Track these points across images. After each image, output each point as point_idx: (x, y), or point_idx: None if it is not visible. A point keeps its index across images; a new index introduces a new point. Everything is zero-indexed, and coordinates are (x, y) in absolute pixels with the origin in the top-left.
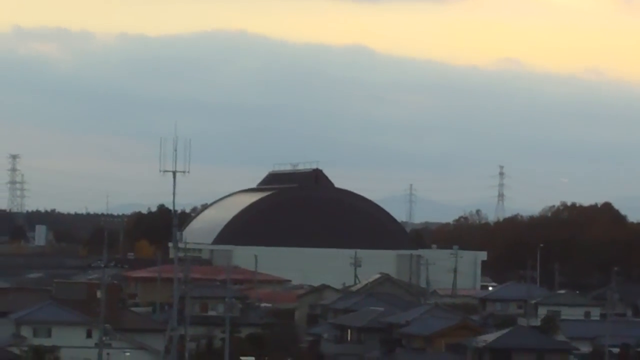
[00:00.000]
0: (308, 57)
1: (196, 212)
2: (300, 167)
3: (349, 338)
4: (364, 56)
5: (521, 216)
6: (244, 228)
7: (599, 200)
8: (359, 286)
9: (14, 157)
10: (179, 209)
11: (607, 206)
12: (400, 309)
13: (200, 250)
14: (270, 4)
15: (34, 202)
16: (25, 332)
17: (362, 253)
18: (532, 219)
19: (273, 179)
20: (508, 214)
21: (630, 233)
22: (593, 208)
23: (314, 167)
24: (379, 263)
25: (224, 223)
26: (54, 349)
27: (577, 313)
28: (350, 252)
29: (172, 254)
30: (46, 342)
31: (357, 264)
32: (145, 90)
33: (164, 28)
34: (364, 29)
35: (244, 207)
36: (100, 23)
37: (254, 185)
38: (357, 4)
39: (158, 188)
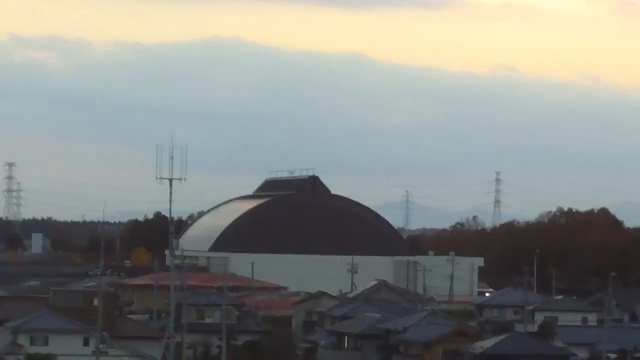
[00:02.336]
0: (304, 64)
1: (192, 219)
2: (297, 174)
3: (345, 345)
4: (360, 63)
5: (518, 222)
6: (241, 235)
7: (596, 206)
8: (355, 293)
9: (10, 165)
10: (175, 216)
11: (604, 212)
12: (397, 316)
13: (196, 257)
14: (265, 11)
15: (31, 210)
16: (22, 340)
17: (358, 259)
18: (528, 224)
19: (269, 186)
20: (505, 220)
21: (627, 239)
22: (590, 214)
23: (311, 173)
24: (375, 269)
25: (221, 230)
26: (51, 357)
27: (574, 319)
28: (347, 258)
29: (168, 262)
30: (43, 350)
31: (353, 270)
32: (141, 97)
33: (160, 36)
34: (360, 36)
35: (240, 214)
36: (96, 31)
37: (250, 192)
38: (352, 11)
39: (154, 195)
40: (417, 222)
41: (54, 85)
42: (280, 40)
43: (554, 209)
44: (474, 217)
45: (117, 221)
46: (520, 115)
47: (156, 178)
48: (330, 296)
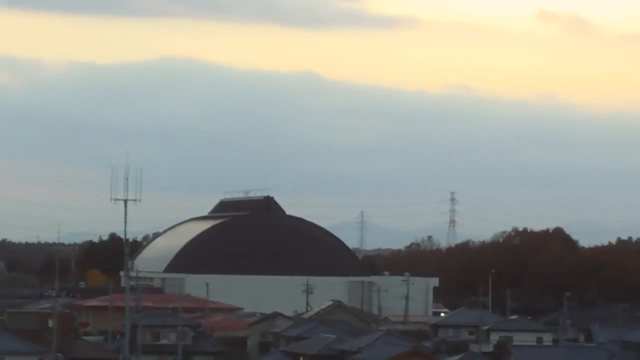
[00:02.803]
0: (257, 83)
1: (148, 240)
2: (252, 195)
3: None
4: (313, 82)
5: (473, 242)
6: (196, 256)
7: (551, 225)
8: (311, 313)
9: None
10: (130, 237)
11: (559, 231)
12: (352, 336)
13: (152, 278)
14: (218, 31)
15: None
16: None
17: (314, 280)
18: (483, 244)
19: (224, 207)
20: (460, 240)
21: (581, 258)
22: (544, 233)
23: (266, 194)
24: (331, 290)
25: (176, 251)
26: None
27: (529, 338)
28: (302, 279)
29: (123, 283)
30: None
31: (309, 291)
32: (96, 117)
33: (114, 56)
34: (313, 55)
35: (195, 235)
36: (50, 51)
37: (205, 213)
38: (305, 29)
39: (109, 216)
40: (372, 242)
41: (7, 105)
42: (233, 59)
43: (508, 229)
44: (429, 237)
45: (71, 242)
46: (475, 134)
47: (111, 199)
48: (286, 317)
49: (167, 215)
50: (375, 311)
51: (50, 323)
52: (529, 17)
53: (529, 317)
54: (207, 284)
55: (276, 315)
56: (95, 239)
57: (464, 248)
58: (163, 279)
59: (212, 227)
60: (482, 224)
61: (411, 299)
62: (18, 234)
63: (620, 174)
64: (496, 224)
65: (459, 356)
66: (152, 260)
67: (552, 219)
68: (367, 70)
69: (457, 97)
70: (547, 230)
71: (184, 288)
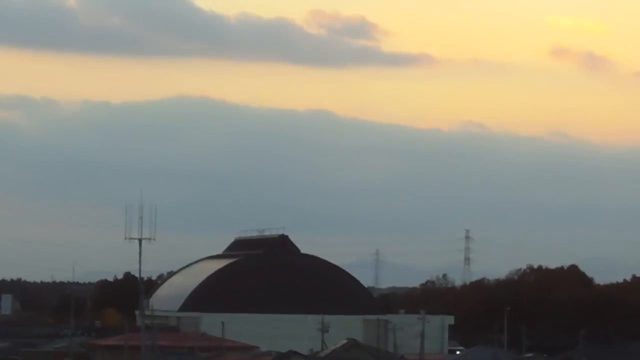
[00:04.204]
0: (272, 122)
1: (162, 279)
2: (267, 233)
3: None
4: (327, 121)
5: (488, 280)
6: (211, 295)
7: (565, 262)
8: (326, 352)
9: None
10: (145, 276)
11: (574, 268)
12: None
13: (167, 317)
14: (233, 70)
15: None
16: None
17: (329, 318)
18: (498, 282)
19: (239, 245)
20: (475, 278)
21: (596, 295)
22: (559, 270)
23: (280, 232)
24: (346, 328)
25: (191, 290)
26: None
27: None
28: (317, 317)
29: (139, 322)
30: None
31: (324, 329)
32: (110, 157)
33: (128, 95)
34: (327, 94)
35: (210, 274)
36: (64, 90)
37: (220, 251)
38: (319, 69)
39: (124, 255)
40: (388, 280)
41: (21, 144)
42: (248, 98)
43: (523, 266)
44: (444, 275)
45: (86, 281)
46: (490, 171)
47: (125, 238)
48: (301, 355)
49: (182, 254)
50: (391, 349)
51: None
52: (543, 54)
53: (545, 355)
54: (223, 323)
55: (292, 354)
56: (110, 278)
57: (479, 286)
58: (178, 318)
59: (227, 266)
60: (497, 262)
61: (427, 337)
62: (33, 273)
63: (636, 211)
64: (511, 261)
65: None
66: (167, 299)
67: (567, 256)
68: (380, 108)
69: (471, 134)
70: (562, 267)
71: (199, 327)
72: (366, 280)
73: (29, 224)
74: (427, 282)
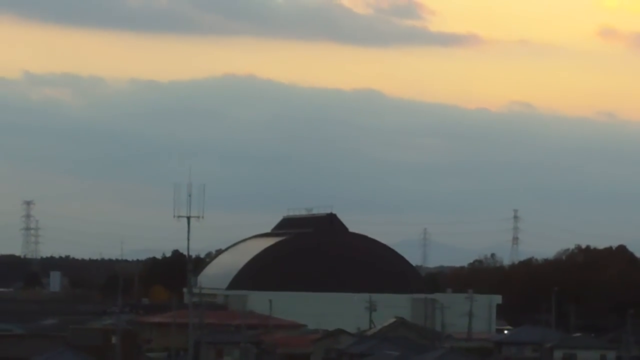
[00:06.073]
0: (319, 101)
1: (210, 257)
2: (315, 212)
3: None
4: (374, 100)
5: (536, 259)
6: (259, 273)
7: (614, 243)
8: (374, 330)
9: (28, 203)
10: (193, 254)
11: (622, 248)
12: (415, 353)
13: (214, 295)
14: (280, 49)
15: (49, 248)
16: None
17: (376, 297)
18: (546, 262)
19: (287, 224)
20: (522, 257)
21: None
22: (607, 251)
23: (328, 211)
24: (393, 307)
25: (239, 268)
26: None
27: (592, 356)
28: (365, 296)
29: (186, 299)
30: None
31: (372, 308)
32: (157, 135)
33: (175, 74)
34: (374, 73)
35: (258, 252)
36: (111, 68)
37: (268, 230)
38: (366, 48)
39: (172, 233)
40: (435, 260)
41: (69, 123)
42: (295, 77)
43: (571, 246)
44: (492, 255)
45: (135, 259)
46: (537, 152)
47: (174, 216)
48: (349, 334)
49: (230, 232)
50: (438, 328)
51: (114, 339)
52: (590, 35)
53: (592, 335)
54: (270, 301)
55: (339, 332)
56: (159, 256)
57: (527, 266)
58: (226, 296)
59: (275, 244)
60: (545, 242)
61: (474, 317)
62: (81, 251)
63: None
64: (559, 241)
65: None
66: (215, 277)
67: (615, 236)
68: (428, 87)
69: (518, 114)
70: (610, 247)
71: (247, 305)
72: (414, 260)
73: (78, 202)
74: (474, 261)
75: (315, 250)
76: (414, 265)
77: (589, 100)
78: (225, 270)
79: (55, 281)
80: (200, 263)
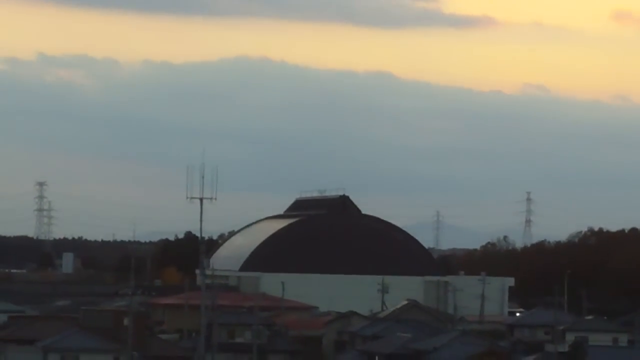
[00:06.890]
0: (332, 83)
1: (223, 239)
2: (327, 194)
3: None
4: (387, 82)
5: (548, 242)
6: (271, 255)
7: (626, 225)
8: (386, 312)
9: (41, 184)
10: (206, 236)
11: (635, 232)
12: (428, 336)
13: (227, 277)
14: (293, 31)
15: (61, 230)
16: (53, 359)
17: (389, 279)
18: (559, 244)
19: (300, 206)
20: (535, 240)
21: None
22: (620, 233)
23: (341, 193)
24: (406, 289)
25: (251, 250)
26: None
27: (605, 339)
28: (377, 278)
29: (199, 281)
30: None
31: (384, 290)
32: (170, 116)
33: (188, 55)
34: (387, 55)
35: (271, 234)
36: (125, 50)
37: (280, 211)
38: (380, 30)
39: (185, 215)
40: (448, 242)
41: (83, 104)
42: (308, 59)
43: (584, 229)
44: (505, 237)
45: (147, 241)
46: (551, 134)
47: (187, 198)
48: (361, 316)
49: (243, 214)
50: (450, 311)
51: (126, 321)
52: (604, 18)
53: (605, 318)
54: (283, 283)
55: (352, 314)
56: (171, 238)
57: (540, 248)
58: (239, 278)
59: (288, 226)
60: (557, 224)
61: (487, 299)
62: (94, 232)
63: None
64: (572, 224)
65: (535, 356)
66: (227, 259)
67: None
68: (441, 70)
69: (532, 97)
70: (623, 230)
71: (259, 287)
72: (427, 242)
73: (91, 183)
74: (487, 244)
75: (328, 232)
76: (426, 247)
77: (603, 83)
78: (238, 252)
79: (67, 263)
80: (212, 245)
